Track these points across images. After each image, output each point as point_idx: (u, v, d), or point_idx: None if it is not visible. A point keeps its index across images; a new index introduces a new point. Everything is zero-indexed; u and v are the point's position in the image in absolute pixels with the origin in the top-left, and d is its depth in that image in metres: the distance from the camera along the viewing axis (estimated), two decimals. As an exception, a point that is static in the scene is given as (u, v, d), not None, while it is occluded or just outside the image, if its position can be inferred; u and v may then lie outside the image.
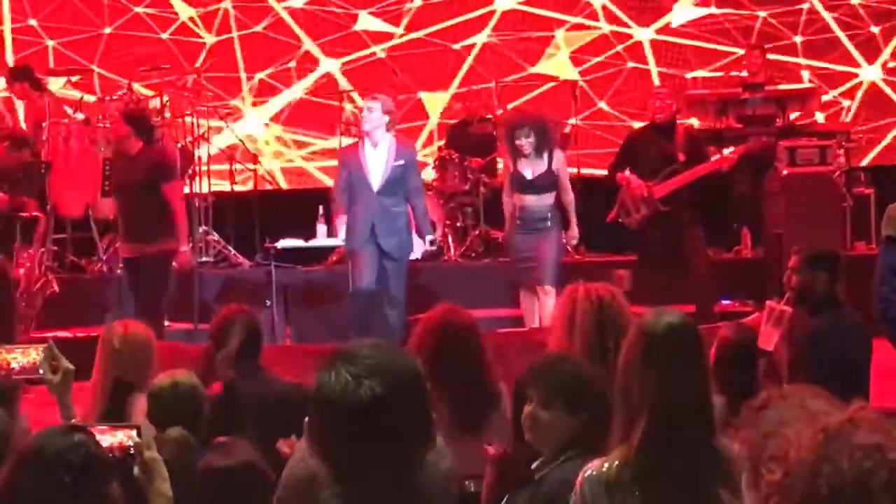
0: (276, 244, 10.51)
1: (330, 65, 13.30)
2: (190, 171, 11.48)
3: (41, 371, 4.16)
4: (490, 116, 12.23)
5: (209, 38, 13.32)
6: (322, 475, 4.12)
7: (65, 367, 4.17)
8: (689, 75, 13.26)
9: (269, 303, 9.89)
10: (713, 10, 13.30)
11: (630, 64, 13.34)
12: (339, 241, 10.68)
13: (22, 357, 4.21)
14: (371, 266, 9.26)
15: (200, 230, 11.34)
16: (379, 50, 13.27)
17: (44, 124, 11.27)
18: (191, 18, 13.30)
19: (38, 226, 10.18)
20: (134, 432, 3.40)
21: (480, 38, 13.37)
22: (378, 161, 9.29)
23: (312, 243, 10.83)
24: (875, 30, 13.32)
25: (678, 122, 10.39)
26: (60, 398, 4.19)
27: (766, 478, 1.95)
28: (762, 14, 13.29)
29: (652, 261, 9.89)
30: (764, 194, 10.94)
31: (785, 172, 10.52)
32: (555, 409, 3.76)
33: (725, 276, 10.77)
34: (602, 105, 13.30)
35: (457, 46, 13.40)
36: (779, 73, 12.46)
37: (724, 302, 10.47)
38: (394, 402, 2.40)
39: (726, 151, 10.44)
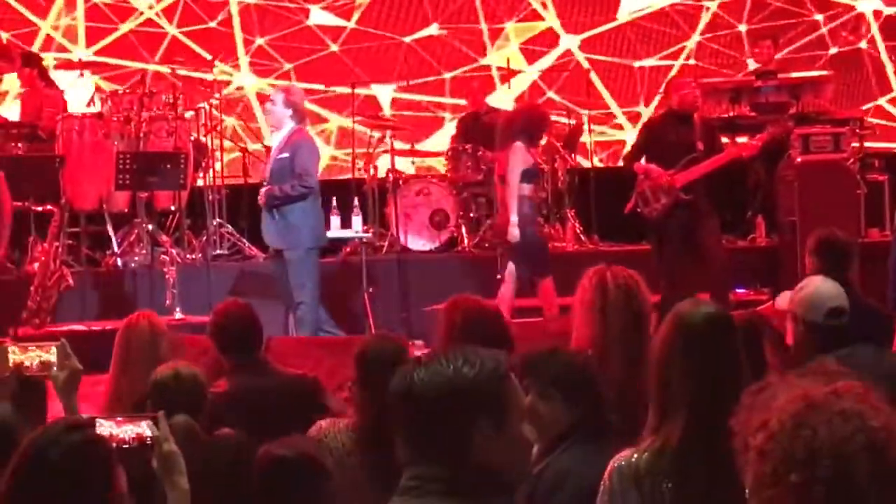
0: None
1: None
2: (204, 164, 11.50)
3: (54, 369, 4.20)
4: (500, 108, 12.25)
5: (170, 30, 13.34)
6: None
7: (73, 367, 4.20)
8: (636, 64, 13.27)
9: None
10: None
11: (578, 55, 13.44)
12: (352, 233, 10.71)
13: (35, 353, 4.24)
14: (275, 275, 9.42)
15: (215, 223, 11.36)
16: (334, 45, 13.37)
17: (58, 117, 11.28)
18: (150, 7, 13.34)
19: (52, 220, 10.19)
20: (151, 423, 3.40)
21: (430, 31, 13.48)
22: (273, 155, 9.36)
23: (327, 235, 10.82)
24: (819, 17, 13.45)
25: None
26: (65, 397, 4.21)
27: (749, 444, 1.95)
28: (709, 4, 13.47)
29: (669, 250, 9.86)
30: (778, 182, 10.92)
31: (799, 160, 10.49)
32: (553, 400, 3.76)
33: (740, 265, 10.76)
34: (551, 94, 13.35)
35: (407, 39, 13.45)
36: (725, 62, 12.64)
37: (738, 290, 10.45)
38: (477, 391, 2.49)
39: (743, 139, 10.42)
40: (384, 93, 13.38)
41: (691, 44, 13.56)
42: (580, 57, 13.50)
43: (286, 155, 9.19)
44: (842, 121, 11.40)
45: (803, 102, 11.67)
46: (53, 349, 4.22)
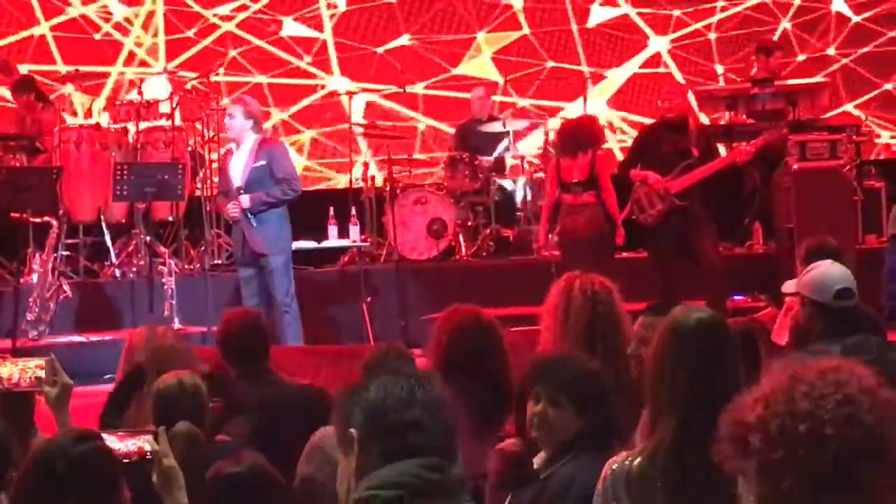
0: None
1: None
2: (201, 174, 11.51)
3: (39, 385, 4.20)
4: (500, 116, 12.27)
5: (146, 40, 13.38)
6: (320, 477, 4.17)
7: (63, 382, 4.21)
8: (607, 72, 13.33)
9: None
10: (629, 9, 13.61)
11: (549, 63, 13.46)
12: (350, 242, 10.72)
13: (22, 370, 4.24)
14: (249, 283, 9.40)
15: (212, 233, 11.36)
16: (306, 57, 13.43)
17: (55, 129, 11.29)
18: (126, 19, 13.35)
19: (50, 231, 10.20)
20: (151, 438, 3.42)
21: (402, 41, 13.54)
22: (239, 164, 9.34)
23: (324, 245, 10.84)
24: (787, 25, 13.51)
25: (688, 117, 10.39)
26: (57, 412, 4.21)
27: (747, 422, 1.98)
28: (676, 13, 13.53)
29: (664, 256, 9.87)
30: (775, 189, 10.93)
31: (795, 167, 10.50)
32: (562, 408, 3.76)
33: (737, 271, 10.76)
34: (524, 102, 13.39)
35: (380, 50, 13.49)
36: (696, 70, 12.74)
37: (736, 297, 10.45)
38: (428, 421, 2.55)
39: (743, 145, 10.44)
40: (356, 102, 13.45)
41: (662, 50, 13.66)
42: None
43: (263, 162, 9.26)
44: (838, 128, 11.41)
45: (799, 109, 11.69)
46: (42, 365, 4.23)
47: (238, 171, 9.34)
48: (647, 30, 13.59)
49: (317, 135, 13.51)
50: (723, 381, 3.38)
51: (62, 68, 12.87)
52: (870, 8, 13.54)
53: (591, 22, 13.64)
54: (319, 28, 13.54)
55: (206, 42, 13.38)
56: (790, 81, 12.02)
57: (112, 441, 3.35)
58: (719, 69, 13.51)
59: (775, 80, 11.72)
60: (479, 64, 13.55)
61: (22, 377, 4.23)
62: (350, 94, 12.22)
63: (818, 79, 12.74)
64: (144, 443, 3.40)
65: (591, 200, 9.62)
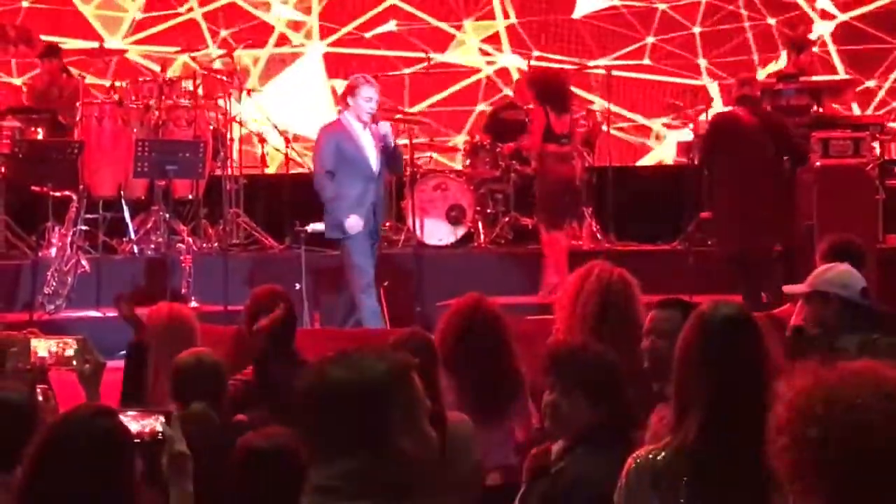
0: (307, 228, 10.51)
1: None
2: (221, 154, 11.51)
3: (74, 363, 4.36)
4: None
5: (136, 14, 13.37)
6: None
7: (96, 361, 4.38)
8: (591, 63, 13.30)
9: (298, 286, 9.90)
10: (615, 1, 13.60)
11: (536, 53, 13.43)
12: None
13: (56, 348, 4.39)
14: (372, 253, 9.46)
15: (231, 212, 11.37)
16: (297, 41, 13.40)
17: (78, 104, 11.31)
18: None
19: (69, 205, 10.21)
20: (164, 420, 3.42)
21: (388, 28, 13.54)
22: (370, 147, 9.25)
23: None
24: (772, 21, 13.46)
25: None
26: (89, 390, 4.36)
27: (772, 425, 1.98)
28: (662, 7, 13.50)
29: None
30: (797, 186, 10.87)
31: (818, 163, 10.45)
32: (576, 399, 3.73)
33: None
34: (507, 91, 13.33)
35: (368, 35, 13.51)
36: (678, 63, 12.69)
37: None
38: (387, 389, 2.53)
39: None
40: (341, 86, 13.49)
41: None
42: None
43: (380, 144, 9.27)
44: (862, 125, 11.36)
45: (824, 105, 11.64)
46: (75, 343, 4.39)
47: (373, 155, 9.25)
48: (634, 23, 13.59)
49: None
50: (749, 376, 3.36)
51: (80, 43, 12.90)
52: (855, 7, 13.46)
53: (578, 13, 13.63)
54: (307, 12, 13.55)
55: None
56: (815, 78, 11.96)
57: (126, 420, 3.36)
58: (702, 63, 13.43)
59: (801, 77, 11.66)
60: (465, 51, 13.52)
61: (55, 355, 4.38)
62: (375, 76, 12.18)
63: (843, 76, 12.68)
64: (157, 424, 3.40)
65: (572, 150, 10.39)
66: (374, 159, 9.22)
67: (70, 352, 4.37)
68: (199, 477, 3.54)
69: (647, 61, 13.57)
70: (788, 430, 1.93)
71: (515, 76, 13.16)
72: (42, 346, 4.39)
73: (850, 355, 4.49)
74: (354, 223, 9.18)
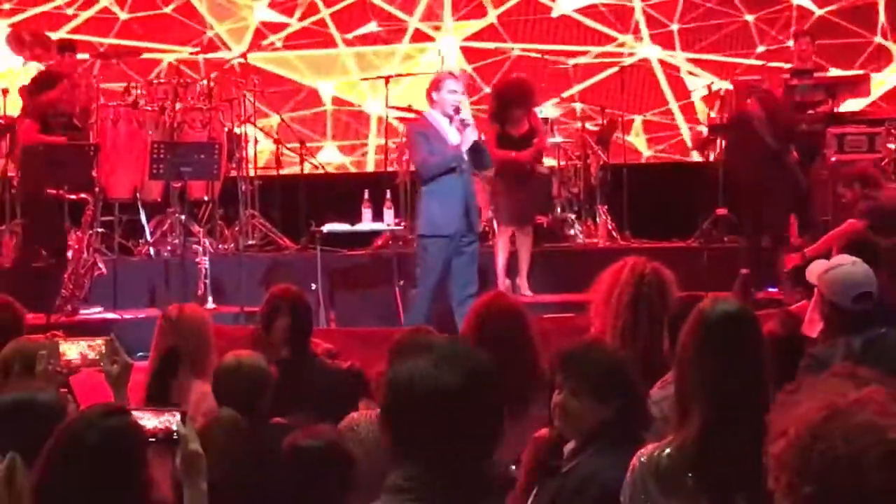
0: (322, 228, 10.54)
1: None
2: (237, 155, 11.53)
3: (102, 364, 4.43)
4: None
5: (121, 15, 13.40)
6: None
7: (124, 361, 4.44)
8: (571, 62, 13.31)
9: (314, 286, 9.92)
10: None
11: (516, 51, 13.46)
12: (384, 226, 10.71)
13: (85, 350, 4.46)
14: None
15: (246, 213, 11.39)
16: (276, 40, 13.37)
17: (93, 106, 11.33)
18: None
19: (86, 208, 10.24)
20: (179, 419, 3.43)
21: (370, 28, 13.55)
22: (455, 139, 8.82)
23: (358, 227, 10.84)
24: (749, 18, 13.47)
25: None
26: (116, 389, 4.42)
27: (770, 451, 1.94)
28: (639, 5, 13.53)
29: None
30: (813, 182, 10.87)
31: (833, 159, 10.44)
32: (584, 398, 3.71)
33: (772, 264, 10.71)
34: (488, 90, 13.34)
35: (349, 36, 13.51)
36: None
37: (770, 290, 10.42)
38: (472, 394, 2.43)
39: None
40: (325, 88, 13.45)
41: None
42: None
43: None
44: (878, 121, 11.34)
45: (839, 101, 11.63)
46: (102, 344, 4.46)
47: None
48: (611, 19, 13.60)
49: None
50: (749, 373, 3.37)
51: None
52: (833, 2, 13.44)
53: (557, 11, 13.64)
54: (289, 13, 13.58)
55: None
56: (830, 73, 11.95)
57: (141, 417, 3.37)
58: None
59: (815, 72, 11.65)
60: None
61: (82, 356, 4.45)
62: (388, 78, 12.18)
63: (858, 71, 12.66)
64: (172, 423, 3.42)
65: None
66: (462, 154, 8.85)
67: (98, 353, 4.43)
68: (219, 481, 3.56)
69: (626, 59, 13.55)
70: (786, 478, 1.90)
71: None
72: (71, 349, 4.46)
73: (853, 358, 4.50)
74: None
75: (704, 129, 12.56)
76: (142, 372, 5.19)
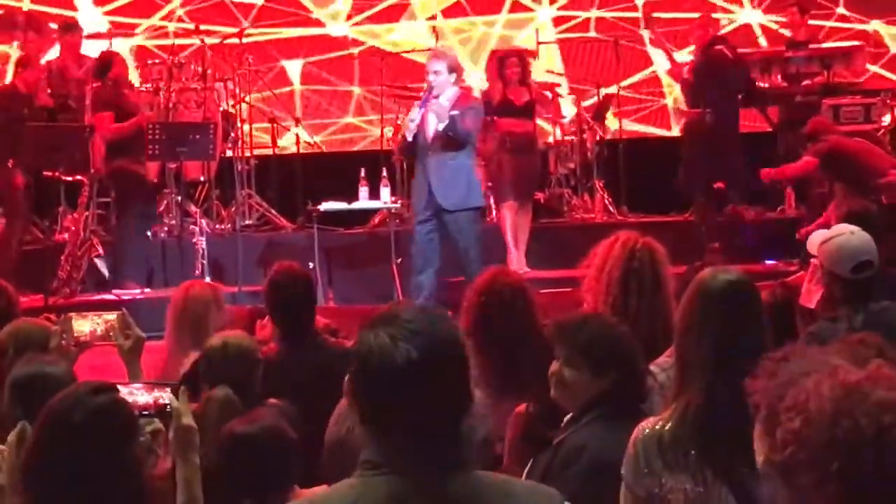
0: (319, 207, 10.53)
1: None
2: (232, 135, 11.51)
3: (115, 338, 4.51)
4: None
5: None
6: (350, 440, 4.15)
7: (136, 335, 4.53)
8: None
9: (311, 265, 9.91)
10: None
11: (482, 28, 13.43)
12: (381, 204, 10.70)
13: (96, 324, 4.53)
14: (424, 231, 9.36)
15: (243, 193, 11.38)
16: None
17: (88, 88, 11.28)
18: None
19: (82, 189, 10.23)
20: (171, 393, 3.42)
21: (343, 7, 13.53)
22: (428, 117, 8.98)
23: (355, 206, 10.84)
24: None
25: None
26: (130, 363, 4.50)
27: (784, 426, 1.94)
28: None
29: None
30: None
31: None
32: (580, 369, 3.72)
33: (769, 235, 10.73)
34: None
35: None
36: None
37: (768, 261, 10.43)
38: (429, 367, 2.37)
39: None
40: (293, 67, 13.40)
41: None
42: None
43: (455, 112, 8.99)
44: (873, 92, 11.33)
45: (833, 73, 11.60)
46: (115, 319, 4.54)
47: (430, 127, 9.00)
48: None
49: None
50: (749, 342, 3.35)
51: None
52: None
53: None
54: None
55: None
56: (825, 45, 11.92)
57: (132, 392, 3.37)
58: (645, 34, 13.27)
59: (810, 43, 11.63)
60: (415, 30, 13.46)
61: (94, 331, 4.52)
62: (379, 53, 12.14)
63: (853, 42, 12.63)
64: (164, 397, 3.41)
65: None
66: (429, 132, 8.98)
67: (110, 327, 4.50)
68: (214, 462, 3.57)
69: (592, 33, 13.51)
70: (806, 454, 1.90)
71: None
72: (83, 324, 4.52)
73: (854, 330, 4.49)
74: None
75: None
76: (150, 351, 5.16)
